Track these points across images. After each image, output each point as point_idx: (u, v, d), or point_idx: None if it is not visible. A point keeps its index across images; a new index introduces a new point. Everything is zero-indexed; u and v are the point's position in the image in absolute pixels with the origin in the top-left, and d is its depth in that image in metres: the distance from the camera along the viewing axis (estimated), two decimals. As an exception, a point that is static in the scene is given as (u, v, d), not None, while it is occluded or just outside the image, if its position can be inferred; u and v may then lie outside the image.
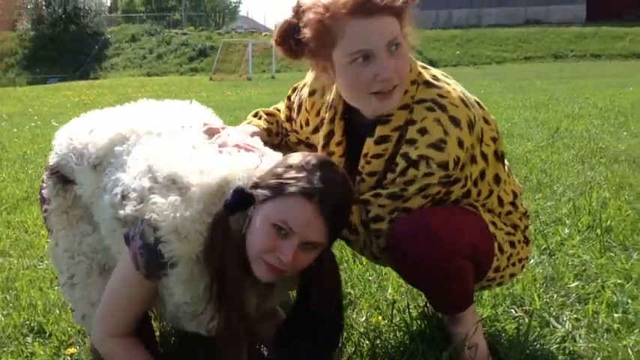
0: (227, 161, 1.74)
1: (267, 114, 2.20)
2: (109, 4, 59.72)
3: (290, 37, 1.78)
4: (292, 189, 1.60)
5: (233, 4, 71.37)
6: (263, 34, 42.57)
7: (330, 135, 1.92)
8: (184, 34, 42.33)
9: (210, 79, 28.12)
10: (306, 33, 1.72)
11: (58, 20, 42.44)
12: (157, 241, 1.60)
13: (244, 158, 1.77)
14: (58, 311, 2.42)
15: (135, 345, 1.79)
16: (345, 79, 1.74)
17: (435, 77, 1.82)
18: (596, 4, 37.62)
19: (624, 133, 6.34)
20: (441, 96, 1.76)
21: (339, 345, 1.87)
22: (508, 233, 1.93)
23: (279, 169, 1.66)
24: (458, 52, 31.37)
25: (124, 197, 1.70)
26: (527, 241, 2.00)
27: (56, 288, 2.63)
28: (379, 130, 1.79)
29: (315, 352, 1.78)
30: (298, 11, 1.77)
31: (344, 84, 1.77)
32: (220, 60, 32.54)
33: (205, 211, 1.63)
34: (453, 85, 1.81)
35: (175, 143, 1.80)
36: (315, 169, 1.63)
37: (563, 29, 34.66)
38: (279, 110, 2.23)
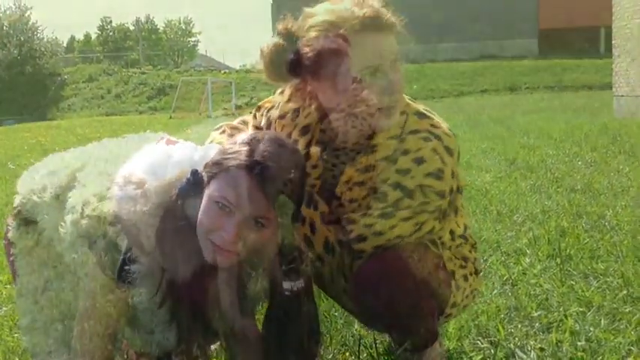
0: (185, 153, 1.72)
1: (233, 128, 2.10)
2: (65, 45, 59.41)
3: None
4: (231, 162, 1.56)
5: (191, 43, 71.62)
6: (222, 71, 42.71)
7: (305, 158, 1.91)
8: (143, 73, 42.17)
9: (171, 117, 28.00)
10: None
11: (14, 62, 42.01)
12: (117, 235, 1.58)
13: (203, 149, 1.74)
14: (17, 359, 2.35)
15: None
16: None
17: (424, 109, 1.85)
18: (547, 39, 38.75)
19: (579, 163, 6.48)
20: (433, 126, 1.79)
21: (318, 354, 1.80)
22: (461, 267, 1.95)
23: (227, 146, 1.64)
24: (415, 87, 31.83)
25: (83, 208, 1.66)
26: (477, 272, 2.02)
27: (16, 335, 2.56)
28: (365, 160, 1.79)
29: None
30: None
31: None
32: (180, 98, 32.46)
33: (162, 206, 1.60)
34: (437, 118, 1.85)
35: (132, 148, 1.80)
36: (259, 142, 1.59)
37: (517, 63, 35.51)
38: (245, 123, 2.13)
